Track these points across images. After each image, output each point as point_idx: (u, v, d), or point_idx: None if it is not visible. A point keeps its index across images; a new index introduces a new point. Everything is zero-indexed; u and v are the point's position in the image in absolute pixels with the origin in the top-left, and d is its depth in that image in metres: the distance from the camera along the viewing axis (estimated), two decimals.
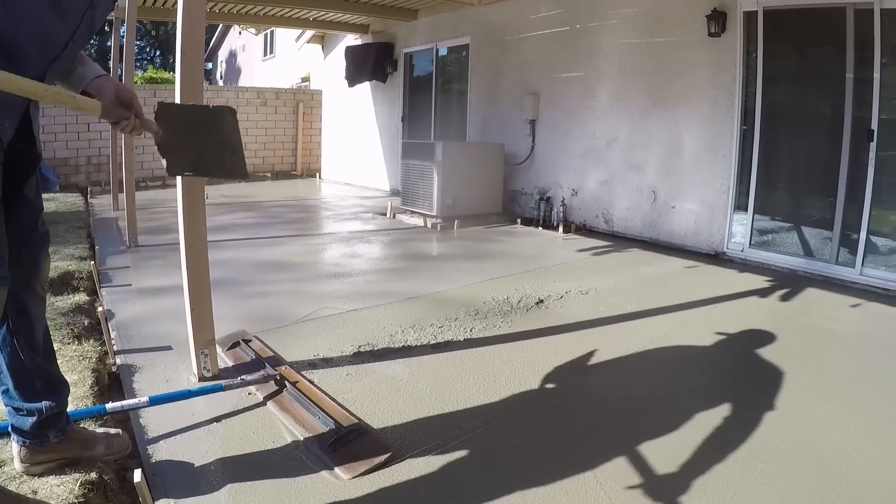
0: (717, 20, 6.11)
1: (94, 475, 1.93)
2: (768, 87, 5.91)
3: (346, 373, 3.05)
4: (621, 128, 7.22)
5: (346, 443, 2.31)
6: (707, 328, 3.92)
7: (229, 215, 8.21)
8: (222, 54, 32.46)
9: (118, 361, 3.08)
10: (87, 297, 4.06)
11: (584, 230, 7.60)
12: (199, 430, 2.41)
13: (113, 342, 3.29)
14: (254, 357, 3.10)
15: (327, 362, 3.17)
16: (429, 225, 7.68)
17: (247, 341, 3.29)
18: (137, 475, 1.80)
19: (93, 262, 4.65)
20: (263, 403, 2.67)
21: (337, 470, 2.17)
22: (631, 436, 2.49)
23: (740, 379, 3.20)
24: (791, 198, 6.11)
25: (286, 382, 2.77)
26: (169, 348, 3.26)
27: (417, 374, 3.07)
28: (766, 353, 3.52)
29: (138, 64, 30.23)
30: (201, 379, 2.85)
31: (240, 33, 25.25)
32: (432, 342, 3.50)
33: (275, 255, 5.75)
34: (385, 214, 8.51)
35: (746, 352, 3.58)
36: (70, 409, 2.10)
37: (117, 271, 4.95)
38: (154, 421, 2.46)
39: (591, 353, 3.40)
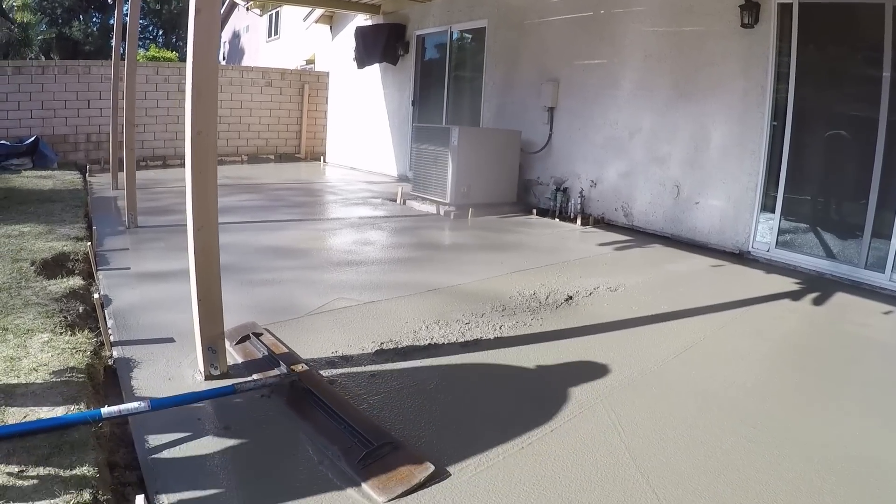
0: (751, 11, 5.81)
1: (87, 496, 1.65)
2: (801, 83, 5.62)
3: (370, 373, 2.79)
4: (645, 118, 6.92)
5: (378, 458, 2.01)
6: (744, 332, 3.73)
7: (231, 197, 7.91)
8: (225, 35, 31.93)
9: (115, 354, 2.80)
10: (83, 281, 3.78)
11: (603, 223, 7.32)
12: (208, 440, 2.14)
13: (110, 332, 3.01)
14: (266, 353, 2.82)
15: (347, 360, 2.90)
16: (441, 213, 7.40)
17: (257, 335, 3.02)
18: (140, 501, 1.52)
19: (89, 244, 4.36)
20: (280, 409, 2.40)
21: (368, 489, 1.89)
22: (694, 451, 2.22)
23: (792, 387, 2.95)
24: (820, 198, 5.83)
25: (304, 385, 2.50)
26: (171, 340, 2.98)
27: (450, 377, 2.81)
28: (809, 362, 3.36)
29: (141, 43, 29.72)
30: (207, 377, 2.57)
31: (248, 10, 24.79)
32: (460, 340, 3.23)
33: (281, 241, 5.47)
34: (395, 200, 8.22)
35: (790, 359, 3.38)
36: (61, 412, 1.83)
37: (115, 253, 4.67)
38: (156, 426, 2.18)
39: (632, 357, 3.13)
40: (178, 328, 3.04)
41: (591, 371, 2.94)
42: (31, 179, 8.19)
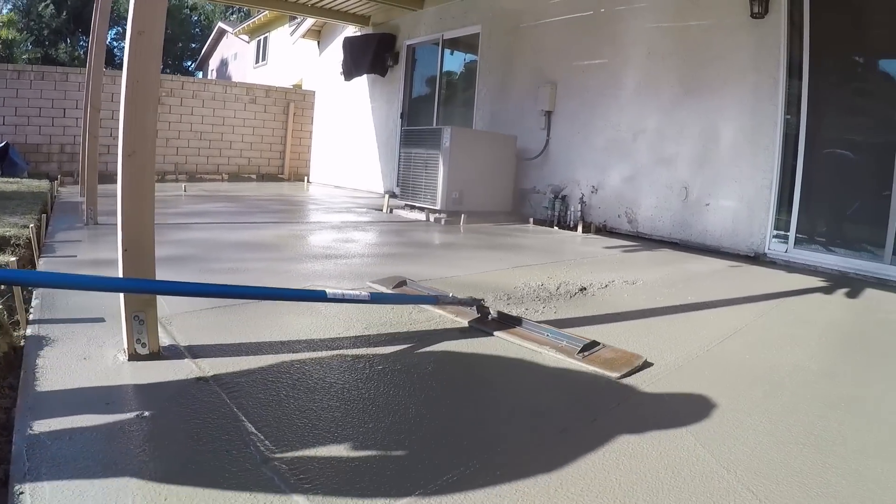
0: (760, 0, 5.46)
1: None
2: (815, 73, 5.25)
3: (354, 356, 2.23)
4: (649, 118, 6.50)
5: (594, 351, 2.37)
6: (787, 320, 3.26)
7: (208, 204, 7.38)
8: (213, 63, 31.84)
9: (29, 332, 2.23)
10: (18, 265, 3.21)
11: (605, 231, 6.83)
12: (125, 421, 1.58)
13: (32, 312, 2.45)
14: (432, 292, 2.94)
15: (321, 344, 2.35)
16: (431, 219, 6.89)
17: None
18: None
19: (32, 226, 3.80)
20: (488, 333, 2.58)
21: (599, 370, 2.20)
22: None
23: (861, 369, 2.43)
24: (840, 194, 5.39)
25: (489, 308, 2.76)
26: (101, 320, 2.40)
27: (453, 361, 2.28)
28: (867, 345, 2.93)
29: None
30: (132, 357, 2.00)
31: (237, 34, 24.61)
32: (459, 326, 2.68)
33: (254, 237, 4.91)
34: (381, 210, 7.71)
35: (845, 343, 2.92)
36: None
37: (65, 244, 4.10)
38: (49, 410, 1.61)
39: (671, 343, 2.60)
40: (114, 309, 2.48)
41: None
42: None
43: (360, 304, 2.84)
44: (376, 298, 2.33)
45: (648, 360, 2.35)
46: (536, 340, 2.47)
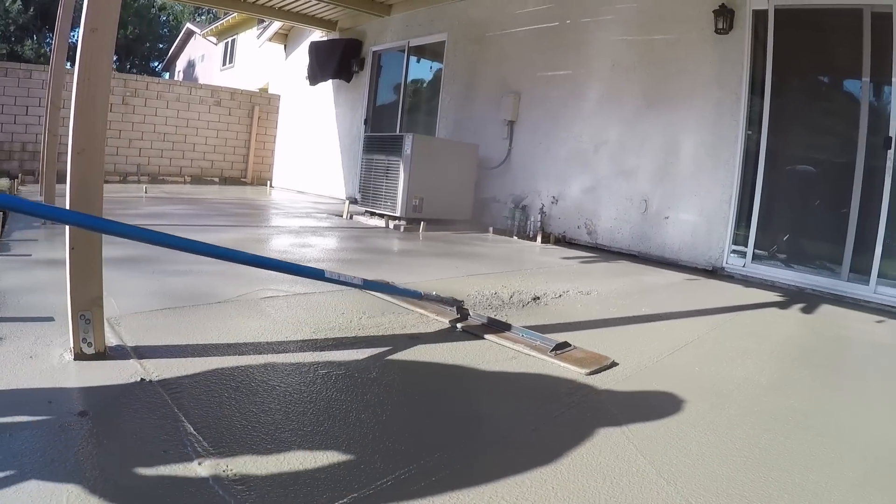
0: (725, 16, 5.54)
1: None
2: (777, 90, 5.32)
3: (298, 362, 2.15)
4: (611, 130, 6.51)
5: (566, 350, 2.44)
6: (740, 333, 3.26)
7: (168, 206, 7.19)
8: (181, 64, 31.36)
9: None
10: None
11: (564, 241, 6.82)
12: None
13: None
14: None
15: (269, 347, 2.25)
16: (391, 226, 6.79)
17: None
18: None
19: None
20: (478, 336, 2.61)
21: (570, 366, 2.27)
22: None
23: (810, 383, 2.41)
24: (799, 210, 5.47)
25: (468, 310, 2.83)
26: (50, 319, 2.34)
27: (396, 368, 2.18)
28: (818, 360, 2.91)
29: None
30: (78, 357, 1.96)
31: (204, 36, 24.28)
32: (410, 332, 2.60)
33: (212, 241, 4.62)
34: (341, 215, 7.59)
35: (797, 358, 2.89)
36: None
37: (21, 243, 3.94)
38: None
39: (621, 353, 2.55)
40: (64, 308, 2.37)
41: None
42: None
43: (309, 309, 2.76)
44: (368, 286, 2.43)
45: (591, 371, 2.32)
46: (523, 343, 2.54)
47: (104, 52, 1.94)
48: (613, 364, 2.36)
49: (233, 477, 1.37)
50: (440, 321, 2.79)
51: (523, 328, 2.66)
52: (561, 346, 2.44)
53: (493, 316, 2.97)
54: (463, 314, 2.77)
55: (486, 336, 2.60)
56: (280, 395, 1.85)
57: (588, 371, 2.25)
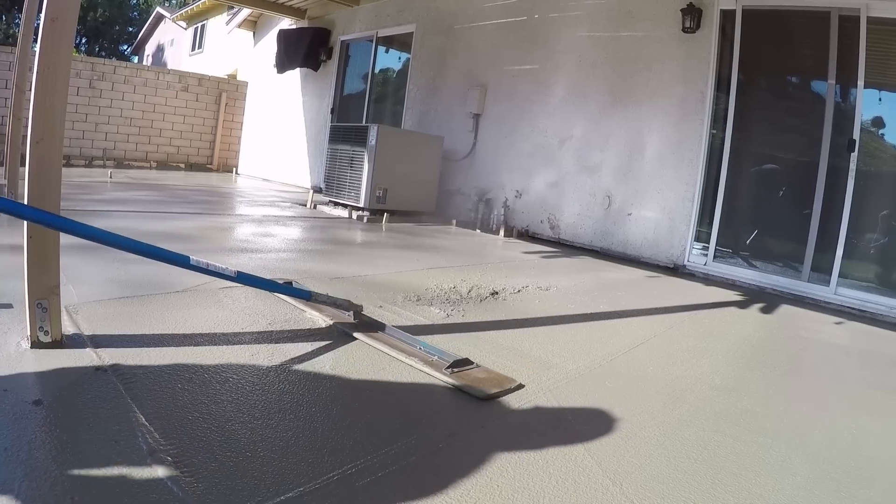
0: (693, 15, 5.55)
1: None
2: (743, 90, 5.35)
3: (253, 352, 2.09)
4: (576, 125, 6.50)
5: (464, 368, 2.14)
6: (698, 332, 3.23)
7: (132, 192, 6.98)
8: (150, 48, 30.66)
9: None
10: None
11: (527, 236, 6.79)
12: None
13: None
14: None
15: (223, 338, 2.17)
16: (354, 217, 6.70)
17: None
18: None
19: None
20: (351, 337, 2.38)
21: (467, 388, 1.97)
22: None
23: (764, 384, 2.41)
24: (761, 209, 5.52)
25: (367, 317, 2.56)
26: (9, 306, 2.26)
27: (354, 359, 2.12)
28: (774, 361, 2.88)
29: None
30: (35, 345, 1.93)
31: (174, 20, 23.76)
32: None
33: (170, 228, 4.62)
34: (305, 205, 7.47)
35: (753, 358, 2.87)
36: None
37: None
38: None
39: (576, 352, 2.52)
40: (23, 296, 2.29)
41: (530, 364, 2.30)
42: None
43: (266, 300, 2.68)
44: (243, 278, 2.17)
45: (522, 382, 2.11)
46: (406, 352, 2.25)
47: (64, 42, 1.91)
48: (519, 387, 2.06)
49: (182, 468, 1.34)
50: (326, 321, 2.57)
51: (420, 339, 2.36)
52: (460, 363, 2.14)
53: (449, 311, 2.92)
54: (361, 320, 2.52)
55: (375, 345, 2.31)
56: (232, 387, 1.80)
57: (484, 395, 1.96)
